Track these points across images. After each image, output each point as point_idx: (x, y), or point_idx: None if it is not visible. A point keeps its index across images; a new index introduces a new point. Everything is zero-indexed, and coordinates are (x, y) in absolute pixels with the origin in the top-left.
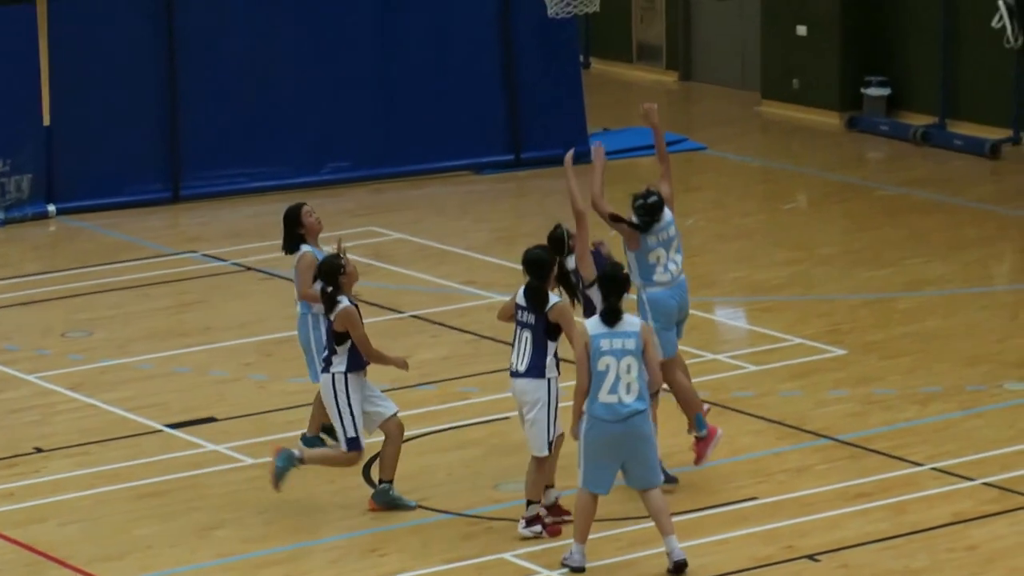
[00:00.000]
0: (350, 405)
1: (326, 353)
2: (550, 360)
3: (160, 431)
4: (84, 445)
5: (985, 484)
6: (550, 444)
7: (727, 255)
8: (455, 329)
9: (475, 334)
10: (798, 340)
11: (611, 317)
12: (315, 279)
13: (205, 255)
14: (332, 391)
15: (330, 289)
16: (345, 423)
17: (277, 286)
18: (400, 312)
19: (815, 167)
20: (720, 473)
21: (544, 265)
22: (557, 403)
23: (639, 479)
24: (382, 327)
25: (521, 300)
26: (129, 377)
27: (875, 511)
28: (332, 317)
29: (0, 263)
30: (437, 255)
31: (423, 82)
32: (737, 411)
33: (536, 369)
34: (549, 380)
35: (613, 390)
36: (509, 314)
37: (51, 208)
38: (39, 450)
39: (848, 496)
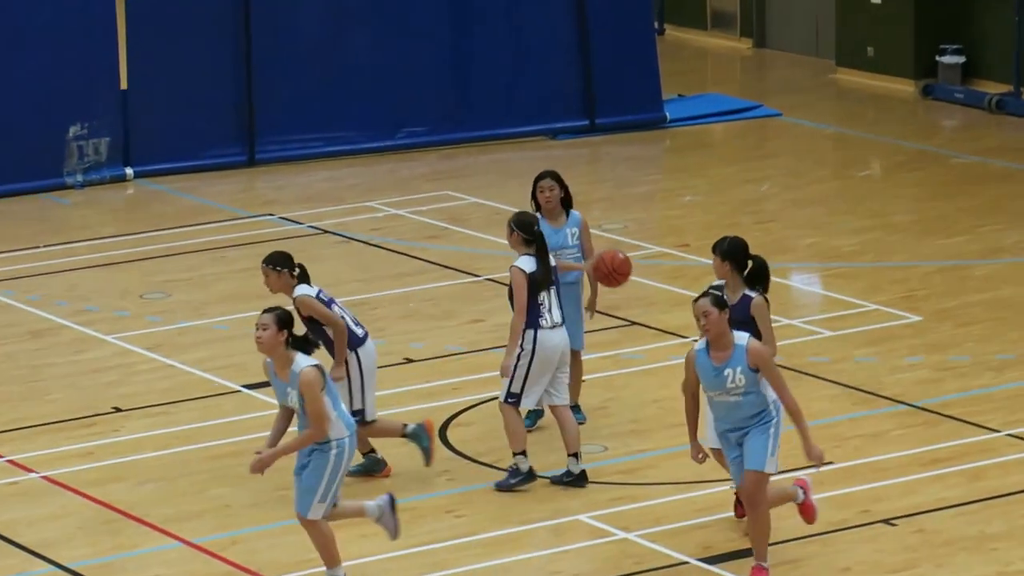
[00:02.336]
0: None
1: None
2: None
3: (237, 392)
4: (162, 405)
5: None
6: None
7: (801, 221)
8: None
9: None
10: (873, 306)
11: None
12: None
13: (281, 218)
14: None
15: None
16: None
17: (352, 249)
18: (476, 276)
19: (889, 135)
20: (795, 438)
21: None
22: None
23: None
24: (458, 290)
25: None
26: (206, 338)
27: (950, 476)
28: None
29: (78, 225)
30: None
31: (498, 47)
32: (812, 376)
33: None
34: None
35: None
36: None
37: (128, 171)
38: (118, 410)
39: (923, 462)
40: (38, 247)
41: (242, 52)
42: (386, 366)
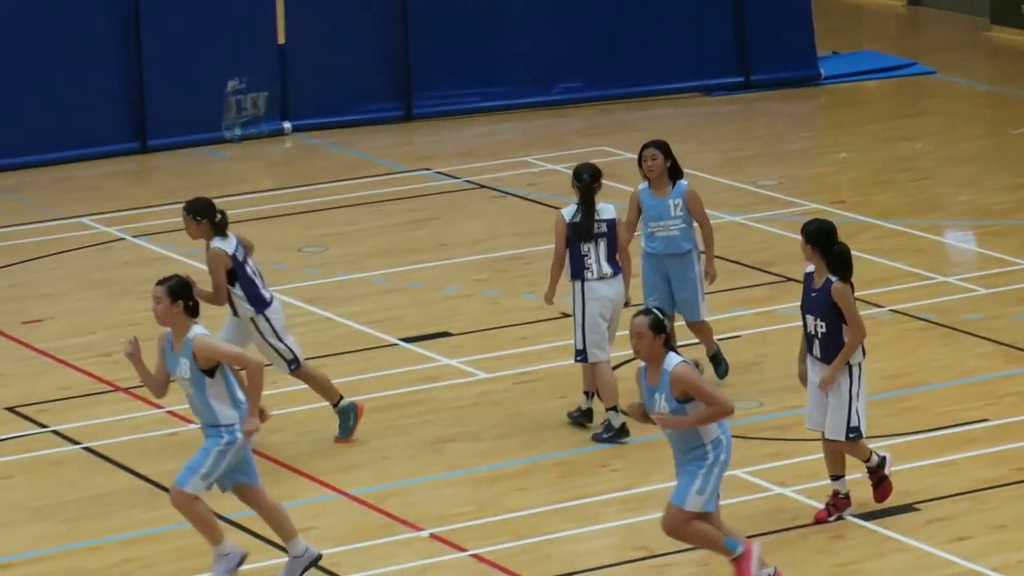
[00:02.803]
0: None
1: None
2: None
3: (395, 345)
4: (320, 358)
5: None
6: None
7: (955, 179)
8: None
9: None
10: None
11: None
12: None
13: (437, 172)
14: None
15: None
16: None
17: (510, 204)
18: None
19: None
20: (949, 395)
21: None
22: None
23: None
24: None
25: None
26: (364, 292)
27: None
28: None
29: (237, 179)
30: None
31: (654, 4)
32: (967, 333)
33: None
34: None
35: None
36: None
37: (286, 125)
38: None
39: None
40: None
41: (399, 7)
42: (541, 320)
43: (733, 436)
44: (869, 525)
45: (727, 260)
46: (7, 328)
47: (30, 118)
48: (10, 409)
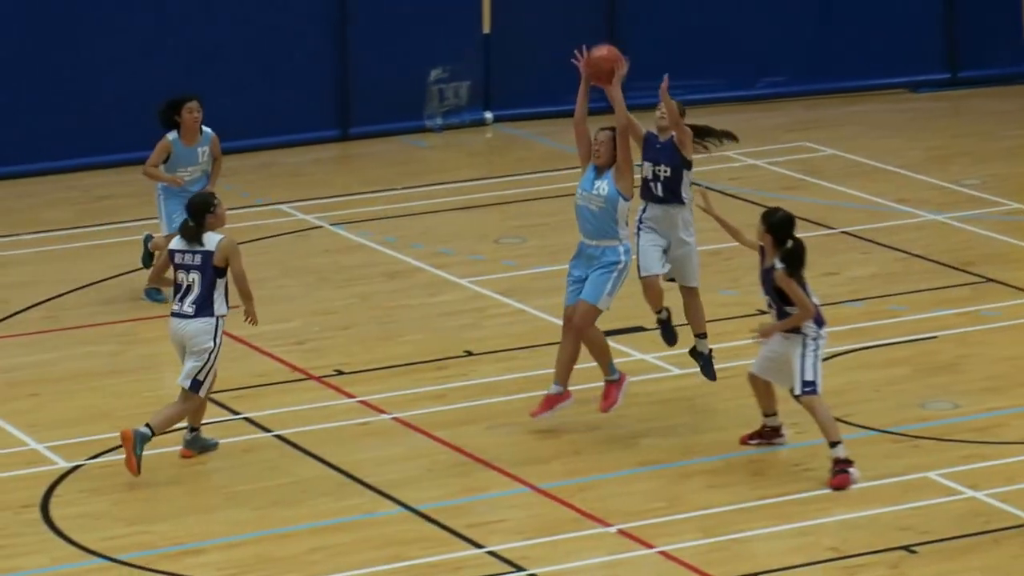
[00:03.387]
0: (219, 352)
1: (197, 294)
2: None
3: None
4: (513, 350)
5: None
6: None
7: None
8: (885, 247)
9: (905, 252)
10: None
11: None
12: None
13: (638, 165)
14: (214, 335)
15: (192, 224)
16: (207, 367)
17: (711, 198)
18: (831, 228)
19: None
20: None
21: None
22: None
23: None
24: (813, 242)
25: None
26: (560, 285)
27: None
28: (206, 247)
29: (438, 168)
30: (869, 172)
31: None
32: None
33: None
34: None
35: None
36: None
37: (488, 115)
38: (469, 353)
39: None
40: (396, 189)
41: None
42: (739, 316)
43: (927, 438)
44: None
45: (928, 260)
46: None
47: (236, 104)
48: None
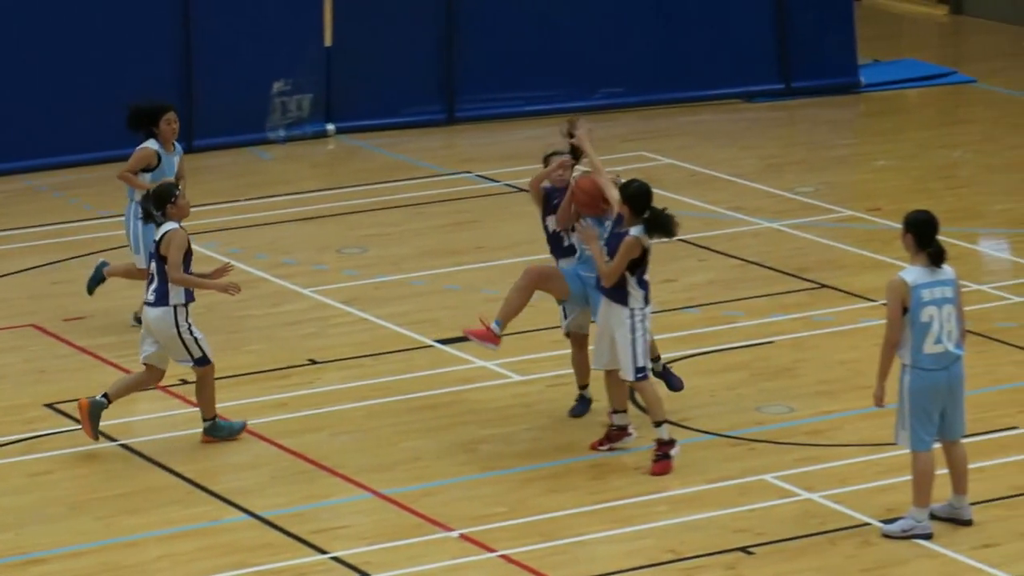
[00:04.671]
0: (192, 332)
1: (157, 284)
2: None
3: (431, 346)
4: (357, 359)
5: None
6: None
7: (994, 187)
8: (722, 254)
9: (742, 259)
10: None
11: (939, 259)
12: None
13: (479, 176)
14: (174, 323)
15: (157, 213)
16: (191, 349)
17: None
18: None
19: None
20: (981, 402)
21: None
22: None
23: (955, 428)
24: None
25: None
26: (402, 293)
27: None
28: (157, 239)
29: (280, 180)
30: (706, 181)
31: (696, 11)
32: (1000, 341)
33: None
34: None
35: (939, 340)
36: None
37: (330, 127)
38: (313, 362)
39: None
40: (240, 200)
41: (444, 10)
42: None
43: (762, 442)
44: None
45: (764, 266)
46: (46, 324)
47: (81, 119)
48: (49, 405)
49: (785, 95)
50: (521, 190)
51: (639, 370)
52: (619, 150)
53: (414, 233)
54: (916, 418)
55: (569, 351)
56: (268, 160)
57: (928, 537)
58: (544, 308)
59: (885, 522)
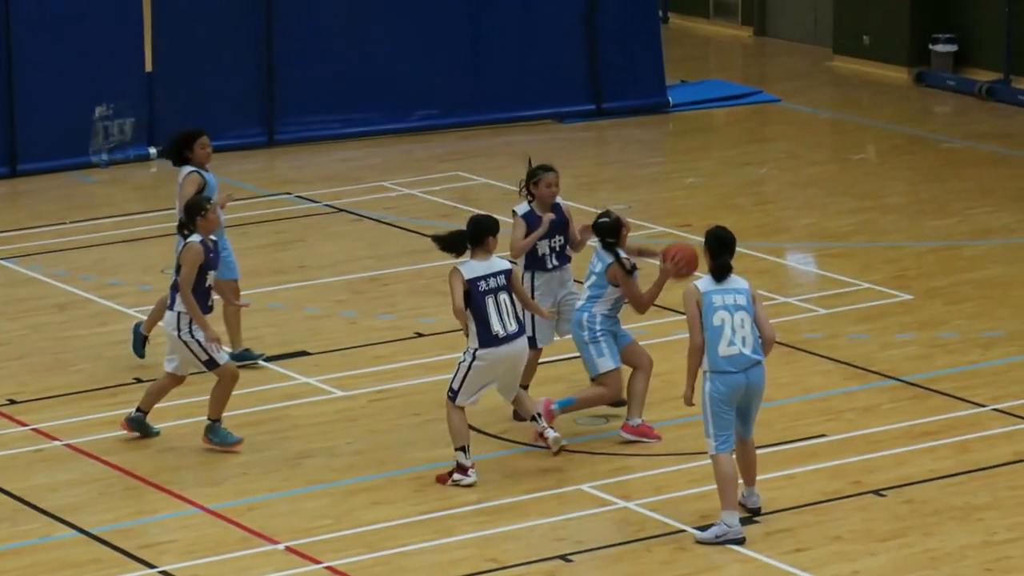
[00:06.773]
0: (192, 335)
1: (173, 289)
2: None
3: (255, 364)
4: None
5: None
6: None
7: (798, 203)
8: None
9: None
10: (866, 285)
11: (722, 273)
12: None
13: (299, 196)
14: (176, 326)
15: (186, 231)
16: (196, 352)
17: (367, 227)
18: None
19: (883, 120)
20: (790, 411)
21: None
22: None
23: (746, 430)
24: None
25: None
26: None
27: (939, 449)
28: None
29: (104, 203)
30: (519, 200)
31: (509, 35)
32: (807, 352)
33: None
34: None
35: (732, 343)
36: None
37: (152, 151)
38: (139, 380)
39: (913, 435)
40: (65, 223)
41: (263, 35)
42: (397, 340)
43: (578, 452)
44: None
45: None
46: None
47: None
48: None
49: (596, 116)
50: (340, 210)
51: (451, 390)
52: (436, 170)
53: (238, 253)
54: (716, 423)
55: (388, 366)
56: (92, 183)
57: (741, 542)
58: (364, 326)
59: (699, 528)
